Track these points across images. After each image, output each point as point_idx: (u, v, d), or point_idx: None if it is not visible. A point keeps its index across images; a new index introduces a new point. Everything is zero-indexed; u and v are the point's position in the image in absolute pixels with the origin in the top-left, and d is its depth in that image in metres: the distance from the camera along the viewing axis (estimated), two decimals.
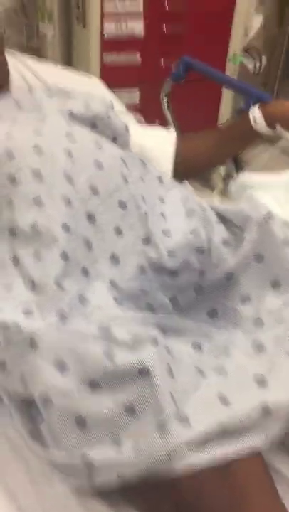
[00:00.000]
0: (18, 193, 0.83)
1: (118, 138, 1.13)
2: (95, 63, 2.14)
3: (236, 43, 2.36)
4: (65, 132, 0.93)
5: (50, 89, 1.28)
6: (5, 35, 2.37)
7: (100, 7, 2.02)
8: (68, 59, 2.33)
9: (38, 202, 0.82)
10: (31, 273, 0.76)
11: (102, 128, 1.08)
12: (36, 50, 2.42)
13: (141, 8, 2.10)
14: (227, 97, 2.49)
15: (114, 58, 2.17)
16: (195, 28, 2.22)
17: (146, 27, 2.15)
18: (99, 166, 0.89)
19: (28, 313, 0.71)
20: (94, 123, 1.07)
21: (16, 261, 0.79)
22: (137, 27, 2.13)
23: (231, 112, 2.56)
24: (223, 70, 2.40)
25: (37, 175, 0.84)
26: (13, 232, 0.81)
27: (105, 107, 1.12)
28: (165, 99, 1.47)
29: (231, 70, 2.42)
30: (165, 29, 2.18)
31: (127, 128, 1.15)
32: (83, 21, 2.10)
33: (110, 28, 2.09)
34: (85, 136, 0.96)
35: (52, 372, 0.62)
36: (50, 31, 2.20)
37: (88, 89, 1.49)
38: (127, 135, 1.15)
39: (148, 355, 0.62)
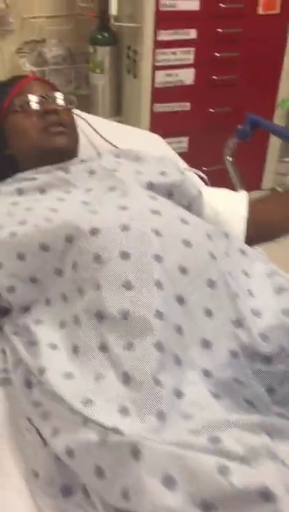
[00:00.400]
0: (105, 274, 0.80)
1: (193, 204, 1.09)
2: (145, 112, 2.15)
3: (285, 89, 2.34)
4: (150, 208, 0.89)
5: (116, 150, 1.26)
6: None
7: (152, 59, 2.03)
8: (118, 107, 2.34)
9: (127, 285, 0.78)
10: (124, 364, 0.72)
11: (178, 196, 1.06)
12: (86, 98, 2.46)
13: (192, 59, 2.10)
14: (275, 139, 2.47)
15: (164, 107, 2.17)
16: (244, 74, 2.21)
17: (196, 75, 2.15)
18: (187, 243, 0.85)
19: (123, 412, 0.66)
20: (171, 191, 1.05)
21: (104, 348, 0.75)
22: (187, 76, 2.14)
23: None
24: (272, 114, 2.38)
25: (125, 255, 0.81)
26: (100, 315, 0.77)
27: (180, 173, 1.09)
28: (230, 158, 1.42)
29: (280, 115, 2.39)
30: (215, 76, 2.17)
31: (200, 192, 1.12)
32: (134, 72, 2.11)
33: (161, 78, 2.10)
34: (169, 210, 0.93)
35: (160, 490, 0.57)
36: (102, 81, 2.22)
37: (152, 148, 1.48)
38: (201, 200, 1.12)
39: (269, 474, 0.56)
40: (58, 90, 1.22)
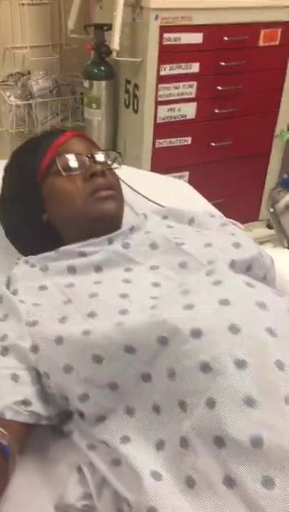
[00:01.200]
0: (219, 388, 0.68)
1: (267, 274, 1.00)
2: (147, 148, 2.05)
3: (283, 119, 2.30)
4: (256, 301, 0.78)
5: (162, 210, 1.15)
6: (39, 117, 2.29)
7: (155, 93, 1.93)
8: (114, 143, 2.23)
9: (250, 402, 0.66)
10: (266, 508, 0.60)
11: (256, 269, 0.95)
12: (80, 130, 2.33)
13: (194, 92, 2.02)
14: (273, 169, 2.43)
15: (166, 142, 2.07)
16: (244, 107, 2.16)
17: (198, 109, 2.07)
18: None
19: None
20: (250, 265, 0.94)
21: (230, 482, 0.63)
22: (189, 110, 2.05)
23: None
24: (270, 145, 2.34)
25: (241, 364, 0.68)
26: (220, 441, 0.65)
27: (253, 243, 0.99)
28: (272, 209, 1.34)
29: (278, 146, 2.36)
30: (217, 110, 2.10)
31: (272, 260, 1.02)
32: (135, 107, 2.01)
33: (163, 113, 2.00)
34: (273, 300, 0.81)
35: None
36: (97, 116, 2.11)
37: (183, 197, 1.38)
38: (274, 268, 1.02)
39: None
40: (98, 147, 1.10)
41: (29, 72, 2.25)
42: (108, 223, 0.99)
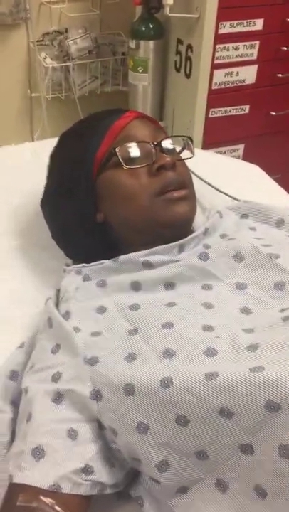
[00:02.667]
0: None
1: None
2: (200, 118, 1.81)
3: None
4: None
5: (240, 206, 0.95)
6: (76, 81, 2.06)
7: (212, 56, 1.68)
8: (161, 111, 2.00)
9: None
10: None
11: None
12: (115, 96, 2.11)
13: (256, 54, 1.76)
14: None
15: (220, 112, 1.84)
16: None
17: (259, 73, 1.82)
18: None
19: None
20: None
21: None
22: (249, 74, 1.80)
23: None
24: None
25: None
26: None
27: None
28: None
29: None
30: (280, 74, 1.84)
31: None
32: (187, 71, 1.77)
33: (219, 78, 1.76)
34: None
35: None
36: (144, 81, 1.87)
37: (255, 184, 1.17)
38: None
39: None
40: (164, 130, 0.90)
41: (66, 31, 2.01)
42: (179, 229, 0.81)
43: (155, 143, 0.81)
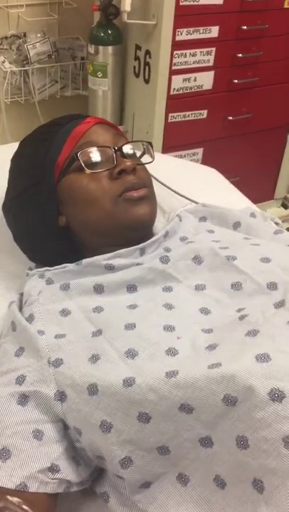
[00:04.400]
0: None
1: None
2: (159, 122, 1.85)
3: None
4: None
5: (199, 209, 0.98)
6: (36, 85, 2.06)
7: (170, 61, 1.72)
8: (120, 115, 2.02)
9: None
10: None
11: None
12: (74, 101, 2.12)
13: (212, 60, 1.81)
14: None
15: (179, 116, 1.87)
16: (265, 76, 1.96)
17: (215, 79, 1.87)
18: None
19: None
20: None
21: None
22: (206, 80, 1.85)
23: None
24: None
25: None
26: None
27: None
28: None
29: None
30: (236, 80, 1.90)
31: None
32: (146, 77, 1.80)
33: (178, 84, 1.80)
34: None
35: None
36: (103, 86, 1.89)
37: (212, 186, 1.21)
38: None
39: None
40: (124, 136, 0.92)
41: (25, 35, 2.01)
42: (141, 231, 0.83)
43: (116, 148, 0.83)
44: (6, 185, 0.92)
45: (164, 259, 0.80)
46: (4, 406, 0.65)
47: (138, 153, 0.89)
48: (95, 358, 0.67)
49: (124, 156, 0.83)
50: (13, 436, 0.63)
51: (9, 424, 0.64)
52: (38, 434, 0.64)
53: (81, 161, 0.81)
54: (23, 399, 0.66)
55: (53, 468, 0.63)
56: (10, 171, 0.91)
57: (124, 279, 0.78)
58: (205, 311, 0.73)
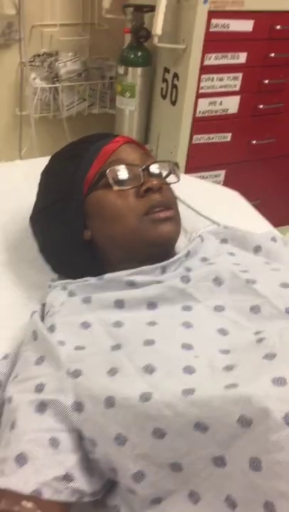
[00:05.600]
0: None
1: None
2: (184, 143, 1.88)
3: None
4: None
5: (221, 231, 0.99)
6: (65, 102, 2.12)
7: (197, 85, 1.76)
8: (146, 135, 2.06)
9: None
10: None
11: None
12: (101, 118, 2.17)
13: (239, 85, 1.84)
14: None
15: (204, 138, 1.90)
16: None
17: (241, 103, 1.90)
18: None
19: None
20: None
21: None
22: (231, 104, 1.88)
23: None
24: None
25: None
26: None
27: None
28: None
29: None
30: (261, 105, 1.92)
31: None
32: (173, 98, 1.84)
33: (204, 107, 1.83)
34: None
35: None
36: (130, 106, 1.93)
37: (233, 209, 1.22)
38: None
39: None
40: (151, 155, 0.94)
41: (57, 53, 2.08)
42: (164, 248, 0.85)
43: (143, 167, 0.85)
44: (35, 198, 0.94)
45: (185, 279, 0.82)
46: (23, 413, 0.67)
47: (164, 173, 0.91)
48: (113, 372, 0.68)
49: (151, 175, 0.86)
50: (30, 442, 0.64)
51: (27, 430, 0.65)
52: (54, 443, 0.65)
53: (110, 177, 0.84)
54: (42, 407, 0.67)
55: (67, 477, 0.64)
56: (40, 185, 0.94)
57: (145, 295, 0.80)
58: (223, 332, 0.74)
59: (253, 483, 0.57)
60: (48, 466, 0.63)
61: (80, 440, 0.68)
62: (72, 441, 0.67)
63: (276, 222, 1.29)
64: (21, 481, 0.61)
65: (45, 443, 0.65)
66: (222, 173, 2.02)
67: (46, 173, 0.94)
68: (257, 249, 0.93)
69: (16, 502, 0.60)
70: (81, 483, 0.65)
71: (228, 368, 0.65)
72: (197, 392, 0.60)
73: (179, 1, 1.67)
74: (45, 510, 0.61)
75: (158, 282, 0.81)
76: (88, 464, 0.68)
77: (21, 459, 0.63)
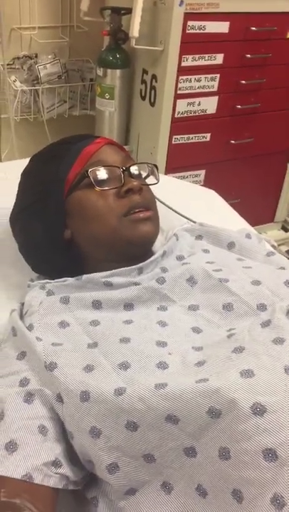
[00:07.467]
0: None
1: None
2: (163, 144, 1.90)
3: None
4: None
5: (196, 228, 1.02)
6: (45, 104, 2.13)
7: (175, 86, 1.78)
8: (126, 136, 2.08)
9: None
10: None
11: None
12: (81, 120, 2.18)
13: (216, 86, 1.87)
14: None
15: (183, 138, 1.93)
16: (267, 102, 2.01)
17: (219, 104, 1.93)
18: None
19: None
20: None
21: None
22: (210, 104, 1.91)
23: None
24: None
25: None
26: None
27: None
28: None
29: None
30: (239, 105, 1.95)
31: None
32: (152, 100, 1.86)
33: (182, 107, 1.85)
34: None
35: None
36: (110, 107, 1.95)
37: (210, 206, 1.25)
38: None
39: None
40: (131, 157, 0.96)
41: (36, 56, 2.09)
42: (143, 248, 0.87)
43: (124, 168, 0.87)
44: (15, 199, 0.95)
45: (160, 280, 0.84)
46: (11, 403, 0.68)
47: (144, 174, 0.93)
48: (89, 368, 0.70)
49: (132, 176, 0.87)
50: (19, 430, 0.66)
51: (16, 419, 0.67)
52: (43, 430, 0.67)
53: (91, 178, 0.85)
54: (29, 397, 0.69)
55: (56, 463, 0.66)
56: (20, 185, 0.96)
57: (121, 297, 0.82)
58: (197, 330, 0.76)
59: (222, 472, 0.59)
60: (38, 451, 0.65)
61: (65, 431, 0.70)
62: (59, 429, 0.69)
63: (256, 221, 1.32)
64: (12, 466, 0.63)
65: (34, 430, 0.67)
66: (202, 172, 2.05)
67: (26, 173, 0.95)
68: (231, 246, 0.96)
69: (16, 493, 0.61)
70: (68, 469, 0.67)
71: (200, 364, 0.68)
72: (169, 387, 0.63)
73: (156, 4, 1.70)
74: (37, 496, 0.62)
75: (135, 284, 0.83)
76: (71, 454, 0.70)
77: (11, 446, 0.64)
